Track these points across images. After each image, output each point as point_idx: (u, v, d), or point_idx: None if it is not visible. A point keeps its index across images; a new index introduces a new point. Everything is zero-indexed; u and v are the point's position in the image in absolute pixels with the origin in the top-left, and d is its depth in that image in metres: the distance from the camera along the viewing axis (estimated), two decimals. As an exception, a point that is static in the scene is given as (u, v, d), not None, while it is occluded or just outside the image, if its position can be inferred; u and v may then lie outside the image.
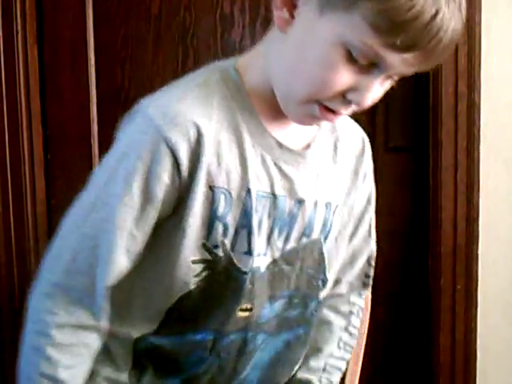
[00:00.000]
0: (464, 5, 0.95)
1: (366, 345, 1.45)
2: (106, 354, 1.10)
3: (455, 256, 1.90)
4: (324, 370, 1.28)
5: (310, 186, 1.12)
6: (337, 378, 1.29)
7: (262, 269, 1.09)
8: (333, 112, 1.00)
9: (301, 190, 1.10)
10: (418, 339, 1.99)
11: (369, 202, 1.27)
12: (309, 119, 1.04)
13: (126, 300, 1.08)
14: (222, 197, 1.04)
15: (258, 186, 1.06)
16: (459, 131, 1.87)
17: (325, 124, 1.14)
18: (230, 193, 1.04)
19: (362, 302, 1.34)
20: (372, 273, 1.33)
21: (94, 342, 1.05)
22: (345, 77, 0.96)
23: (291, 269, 1.14)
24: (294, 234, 1.12)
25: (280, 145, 1.08)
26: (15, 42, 1.88)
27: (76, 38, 1.94)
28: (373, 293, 1.47)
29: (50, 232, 1.87)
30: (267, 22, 1.87)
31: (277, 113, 1.06)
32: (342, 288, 1.29)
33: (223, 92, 1.05)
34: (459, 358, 1.92)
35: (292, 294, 1.16)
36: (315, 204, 1.13)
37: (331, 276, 1.23)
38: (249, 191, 1.05)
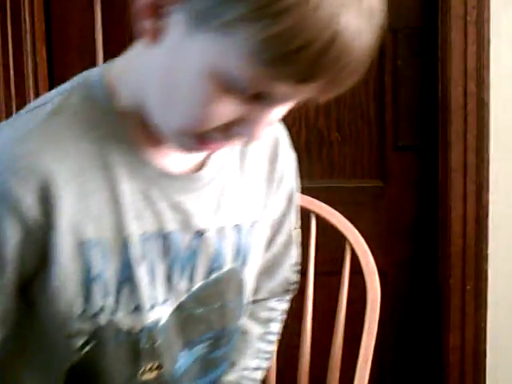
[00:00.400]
0: (378, 7, 0.75)
1: (376, 344, 1.45)
2: None
3: (465, 256, 1.89)
4: None
5: (209, 212, 0.95)
6: None
7: (164, 320, 0.93)
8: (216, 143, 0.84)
9: (199, 219, 0.93)
10: (427, 339, 1.98)
11: (288, 205, 1.11)
12: (190, 150, 0.86)
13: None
14: (96, 251, 0.86)
15: (141, 227, 0.88)
16: (468, 130, 1.86)
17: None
18: (103, 244, 0.86)
19: (285, 305, 1.22)
20: (296, 278, 1.22)
21: None
22: (224, 110, 0.77)
23: (208, 309, 0.98)
24: (200, 271, 0.95)
25: (165, 174, 0.90)
26: (24, 42, 1.88)
27: (84, 37, 1.94)
28: (382, 292, 1.47)
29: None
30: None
31: (156, 137, 0.87)
32: (261, 295, 1.16)
33: (86, 118, 0.85)
34: (469, 357, 1.91)
35: (217, 334, 1.01)
36: (220, 231, 0.96)
37: (249, 286, 1.06)
38: (127, 238, 0.87)
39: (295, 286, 1.23)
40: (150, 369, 0.94)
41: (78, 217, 0.84)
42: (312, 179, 1.95)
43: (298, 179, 1.14)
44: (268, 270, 1.14)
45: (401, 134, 1.94)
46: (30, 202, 0.81)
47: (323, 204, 1.53)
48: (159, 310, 0.92)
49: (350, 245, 1.50)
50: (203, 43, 0.75)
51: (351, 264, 1.50)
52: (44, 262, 0.84)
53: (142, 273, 0.89)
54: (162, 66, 0.81)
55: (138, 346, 0.92)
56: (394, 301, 1.95)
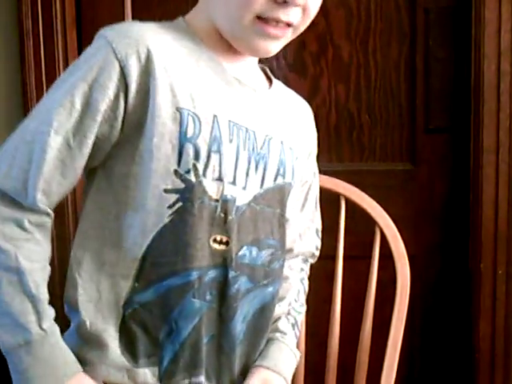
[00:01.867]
0: None
1: (405, 329, 1.44)
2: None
3: (496, 240, 1.87)
4: (288, 313, 1.28)
5: (274, 124, 1.16)
6: (299, 318, 1.31)
7: (241, 202, 1.09)
8: (277, 23, 1.06)
9: (267, 126, 1.14)
10: (457, 325, 1.96)
11: (314, 176, 1.33)
12: (259, 41, 1.08)
13: (98, 249, 1.07)
14: (190, 119, 1.04)
15: (229, 114, 1.08)
16: (501, 111, 1.82)
17: (275, 85, 1.22)
18: (197, 115, 1.04)
19: (308, 269, 1.39)
20: (320, 244, 1.38)
21: (39, 231, 1.03)
22: None
23: (272, 212, 1.15)
24: (269, 172, 1.14)
25: (239, 82, 1.12)
26: (54, 26, 1.88)
27: (113, 22, 1.93)
28: (412, 277, 1.45)
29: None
30: None
31: (228, 53, 1.12)
32: (294, 255, 1.33)
33: (178, 33, 1.10)
34: (499, 344, 1.89)
35: (276, 244, 1.17)
36: (282, 143, 1.16)
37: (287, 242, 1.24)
38: (217, 117, 1.06)
39: (318, 252, 1.38)
40: (221, 241, 1.08)
41: (177, 88, 1.04)
42: (342, 162, 1.94)
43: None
44: (299, 233, 1.31)
45: (432, 116, 1.92)
46: (134, 66, 1.01)
47: (353, 187, 1.52)
48: (237, 191, 1.08)
49: (380, 229, 1.49)
50: None
51: (381, 248, 1.49)
52: (140, 129, 1.03)
53: (228, 150, 1.07)
54: None
55: (215, 213, 1.06)
56: (424, 286, 1.93)
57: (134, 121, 1.03)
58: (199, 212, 1.05)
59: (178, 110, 1.03)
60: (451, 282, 1.96)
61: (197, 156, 1.04)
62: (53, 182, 1.02)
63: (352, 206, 1.52)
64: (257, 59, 1.19)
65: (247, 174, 1.10)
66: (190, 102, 1.04)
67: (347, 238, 1.54)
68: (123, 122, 1.03)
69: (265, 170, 1.12)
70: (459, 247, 1.94)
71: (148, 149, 1.03)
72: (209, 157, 1.05)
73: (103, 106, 1.01)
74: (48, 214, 1.04)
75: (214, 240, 1.07)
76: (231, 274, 1.09)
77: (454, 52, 1.89)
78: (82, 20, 1.94)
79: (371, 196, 1.51)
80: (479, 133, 1.84)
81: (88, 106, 1.01)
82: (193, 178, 1.04)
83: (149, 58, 1.02)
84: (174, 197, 1.04)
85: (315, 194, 1.34)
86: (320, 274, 1.45)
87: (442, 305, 1.98)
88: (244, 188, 1.09)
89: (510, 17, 1.79)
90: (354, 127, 1.94)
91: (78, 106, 1.01)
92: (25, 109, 1.88)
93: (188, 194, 1.04)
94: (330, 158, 1.93)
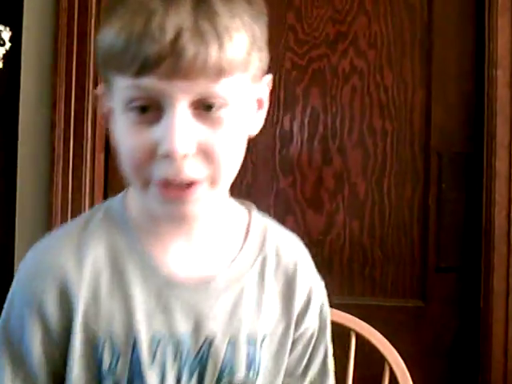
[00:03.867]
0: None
1: None
2: None
3: (506, 377, 1.86)
4: None
5: (222, 319, 0.97)
6: None
7: None
8: (175, 185, 0.87)
9: (210, 324, 0.96)
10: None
11: (321, 329, 1.09)
12: (168, 207, 0.90)
13: None
14: (106, 348, 0.93)
15: (151, 328, 0.94)
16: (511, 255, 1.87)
17: (250, 242, 1.01)
18: (114, 342, 0.93)
19: None
20: None
21: None
22: (137, 135, 0.87)
23: None
24: (209, 377, 0.96)
25: (175, 282, 0.95)
26: (84, 149, 1.97)
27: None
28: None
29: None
30: (325, 139, 1.96)
31: (170, 242, 0.97)
32: None
33: (105, 232, 0.96)
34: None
35: None
36: (232, 340, 0.97)
37: None
38: (137, 337, 0.93)
39: None
40: None
41: (91, 317, 0.93)
42: (353, 296, 1.96)
43: (326, 304, 1.11)
44: None
45: (443, 256, 1.96)
46: (52, 302, 0.92)
47: (363, 322, 1.55)
48: None
49: (389, 365, 1.50)
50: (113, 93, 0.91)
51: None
52: (64, 357, 0.94)
53: (152, 373, 0.94)
54: None
55: None
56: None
57: (61, 355, 0.95)
58: None
59: (93, 340, 0.93)
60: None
61: None
62: None
63: (362, 341, 1.54)
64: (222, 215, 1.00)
65: None
66: (105, 327, 0.93)
67: (357, 372, 1.55)
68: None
69: (201, 378, 0.96)
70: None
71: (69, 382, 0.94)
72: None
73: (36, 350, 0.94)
74: None
75: None
76: None
77: (466, 194, 1.95)
78: (109, 145, 2.02)
79: (381, 331, 1.53)
80: (489, 275, 1.87)
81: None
82: None
83: (68, 291, 0.93)
84: None
85: (324, 350, 1.11)
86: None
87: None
88: None
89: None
90: (366, 262, 1.98)
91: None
92: (48, 228, 1.94)
93: None
94: (341, 291, 1.96)
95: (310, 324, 1.06)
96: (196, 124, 0.86)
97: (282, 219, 1.94)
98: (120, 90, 0.88)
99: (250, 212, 1.05)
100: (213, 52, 0.82)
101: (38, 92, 1.99)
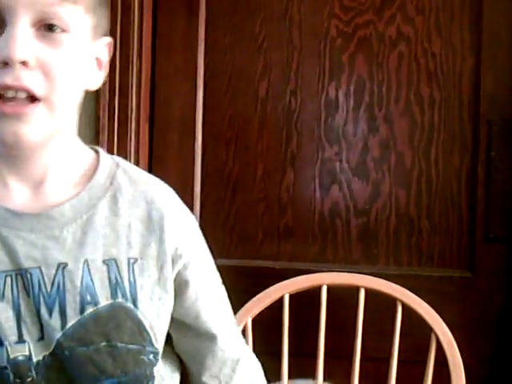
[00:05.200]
0: None
1: None
2: None
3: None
4: None
5: (72, 247, 0.96)
6: None
7: (39, 357, 0.93)
8: (15, 97, 0.89)
9: (58, 254, 0.95)
10: None
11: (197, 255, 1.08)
12: (3, 129, 0.90)
13: None
14: None
15: None
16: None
17: (99, 175, 1.02)
18: None
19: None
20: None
21: None
22: None
23: (92, 350, 0.95)
24: (71, 306, 0.94)
25: (14, 214, 0.95)
26: (129, 120, 1.98)
27: (186, 117, 2.03)
28: None
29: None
30: (371, 108, 1.94)
31: (8, 176, 0.97)
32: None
33: None
34: None
35: (118, 381, 0.96)
36: (87, 265, 0.96)
37: (161, 331, 1.01)
38: None
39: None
40: None
41: None
42: (400, 266, 1.95)
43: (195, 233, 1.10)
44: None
45: (492, 226, 1.93)
46: None
47: (409, 292, 1.54)
48: (30, 346, 0.93)
49: (436, 336, 1.49)
50: None
51: (436, 355, 1.49)
52: None
53: (3, 311, 0.92)
54: None
55: (8, 382, 0.92)
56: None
57: None
58: None
59: None
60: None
61: None
62: None
63: (408, 311, 1.53)
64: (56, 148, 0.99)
65: (41, 325, 0.94)
66: None
67: (402, 342, 1.54)
68: None
69: (63, 307, 0.94)
70: (516, 359, 1.92)
71: None
72: None
73: None
74: None
75: None
76: None
77: (516, 163, 1.92)
78: (154, 116, 2.04)
79: (428, 301, 1.53)
80: (539, 245, 1.84)
81: None
82: None
83: None
84: None
85: (204, 276, 1.08)
86: (372, 377, 1.45)
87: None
88: (40, 339, 0.94)
89: None
90: (413, 232, 1.96)
91: None
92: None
93: None
94: (387, 261, 1.95)
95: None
96: (36, 42, 0.89)
97: (327, 188, 1.96)
98: None
99: (97, 152, 1.06)
100: None
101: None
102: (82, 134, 1.05)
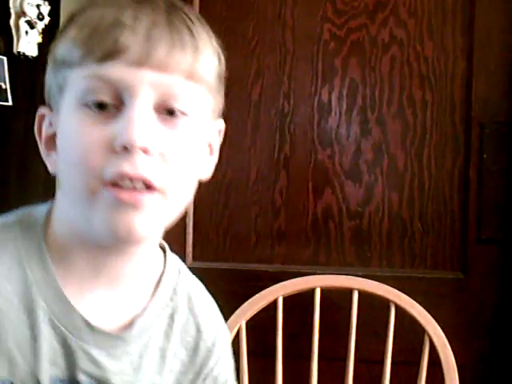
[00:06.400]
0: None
1: None
2: None
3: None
4: None
5: (128, 372, 0.91)
6: None
7: None
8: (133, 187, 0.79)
9: (116, 378, 0.89)
10: None
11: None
12: (113, 214, 0.80)
13: None
14: None
15: (52, 371, 0.86)
16: (554, 227, 1.84)
17: (161, 292, 0.95)
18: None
19: None
20: None
21: None
22: (91, 130, 0.79)
23: None
24: None
25: (91, 327, 0.87)
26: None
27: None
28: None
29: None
30: (364, 111, 1.95)
31: (89, 281, 0.88)
32: None
33: (15, 253, 0.85)
34: None
35: None
36: None
37: None
38: (40, 382, 0.85)
39: None
40: None
41: None
42: (393, 268, 1.96)
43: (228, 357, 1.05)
44: None
45: (484, 227, 1.94)
46: None
47: (403, 294, 1.55)
48: None
49: (429, 337, 1.50)
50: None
51: (429, 356, 1.50)
52: None
53: None
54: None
55: None
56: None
57: None
58: None
59: None
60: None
61: None
62: None
63: (401, 313, 1.54)
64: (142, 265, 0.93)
65: None
66: (6, 367, 0.84)
67: (395, 344, 1.55)
68: None
69: None
70: (509, 359, 1.92)
71: None
72: None
73: None
74: None
75: None
76: None
77: (508, 165, 1.93)
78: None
79: (421, 303, 1.53)
80: (531, 246, 1.85)
81: None
82: None
83: None
84: None
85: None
86: (366, 379, 1.46)
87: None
88: None
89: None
90: (406, 234, 1.97)
91: None
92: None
93: None
94: (380, 263, 1.96)
95: (218, 371, 1.01)
96: (158, 127, 0.80)
97: (320, 191, 1.97)
98: (76, 83, 0.81)
99: (164, 251, 0.99)
100: (188, 50, 0.81)
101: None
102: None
